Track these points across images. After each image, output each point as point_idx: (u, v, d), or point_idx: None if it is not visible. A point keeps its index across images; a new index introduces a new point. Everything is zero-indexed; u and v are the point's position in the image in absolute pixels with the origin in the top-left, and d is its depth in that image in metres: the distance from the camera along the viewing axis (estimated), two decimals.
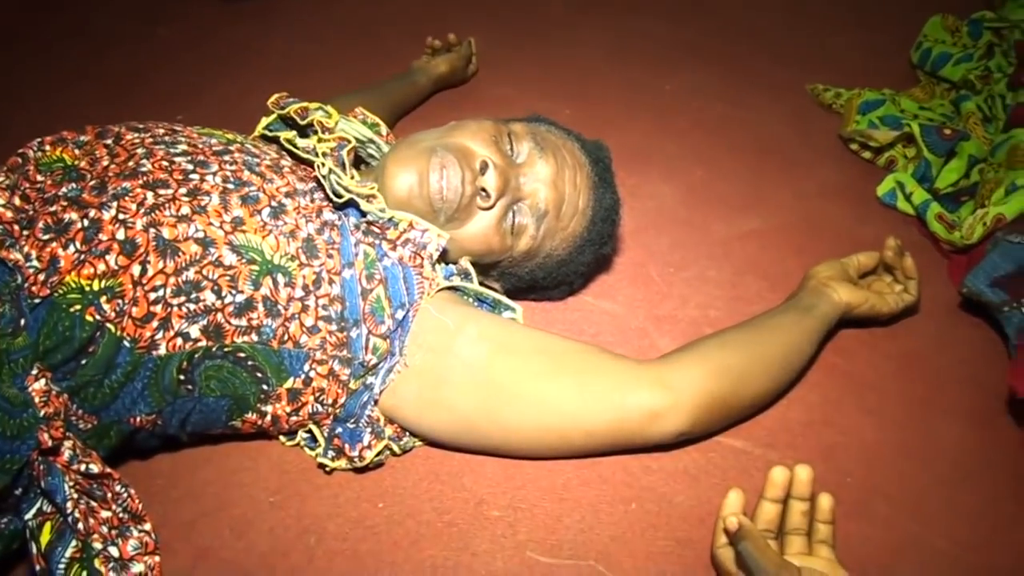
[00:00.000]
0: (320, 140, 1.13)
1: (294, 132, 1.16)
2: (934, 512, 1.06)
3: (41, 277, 0.88)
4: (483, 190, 1.08)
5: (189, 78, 1.98)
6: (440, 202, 1.07)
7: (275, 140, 1.19)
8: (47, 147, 1.00)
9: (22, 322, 0.86)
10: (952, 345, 1.30)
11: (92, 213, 0.91)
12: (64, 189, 0.94)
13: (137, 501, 0.92)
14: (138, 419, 0.95)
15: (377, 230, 1.04)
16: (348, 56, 2.08)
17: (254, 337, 0.95)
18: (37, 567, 0.86)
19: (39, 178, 0.97)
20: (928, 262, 1.42)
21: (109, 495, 0.90)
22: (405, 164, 1.08)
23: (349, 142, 1.12)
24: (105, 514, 0.90)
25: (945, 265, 1.44)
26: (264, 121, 1.21)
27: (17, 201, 0.93)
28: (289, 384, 0.98)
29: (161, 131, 1.04)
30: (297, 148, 1.11)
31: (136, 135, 1.02)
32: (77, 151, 1.00)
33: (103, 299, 0.89)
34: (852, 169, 1.70)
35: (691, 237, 1.49)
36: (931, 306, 1.35)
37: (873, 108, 1.77)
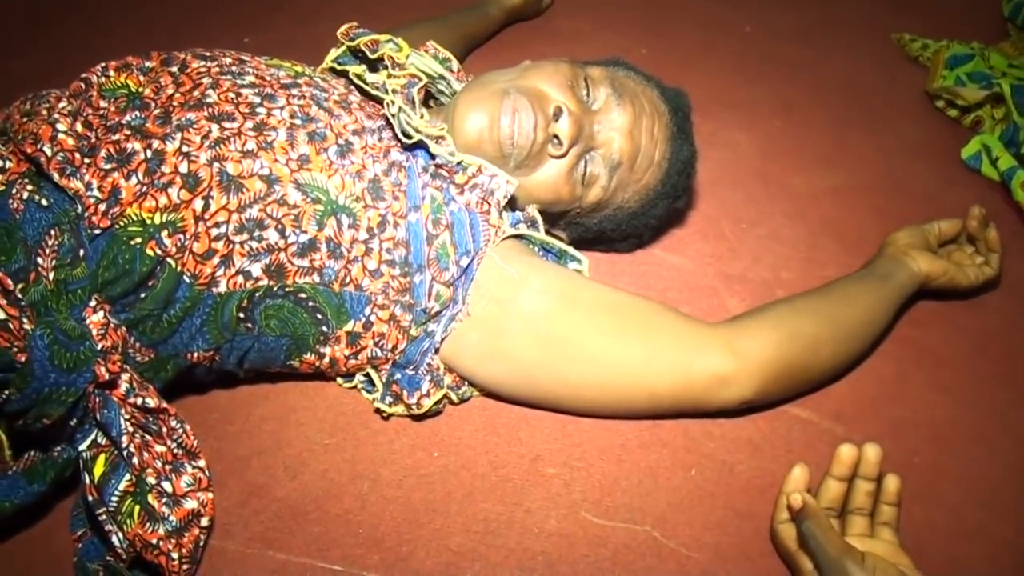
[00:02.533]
0: (390, 76, 1.07)
1: (363, 66, 1.10)
2: (1003, 500, 1.00)
3: (102, 208, 0.85)
4: (556, 137, 1.02)
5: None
6: (510, 147, 1.01)
7: (344, 74, 1.14)
8: (111, 72, 0.96)
9: (81, 253, 0.84)
10: None
11: (155, 144, 0.87)
12: (128, 117, 0.90)
13: (192, 437, 0.89)
14: (196, 355, 0.93)
15: (445, 173, 0.99)
16: None
17: (316, 278, 0.91)
18: (89, 497, 0.84)
19: (102, 104, 0.93)
20: (1011, 233, 1.33)
21: (164, 430, 0.88)
22: (476, 106, 1.02)
23: (420, 79, 1.07)
24: (160, 449, 0.87)
25: None
26: (333, 53, 1.16)
27: (79, 128, 0.89)
28: (349, 327, 0.94)
29: (228, 60, 0.99)
30: (366, 84, 1.06)
31: (202, 63, 0.97)
32: (142, 78, 0.95)
33: (164, 233, 0.85)
34: (936, 126, 1.60)
35: (766, 192, 1.42)
36: (1011, 281, 1.27)
37: (961, 63, 1.66)
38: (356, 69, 1.08)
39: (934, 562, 0.93)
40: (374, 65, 1.13)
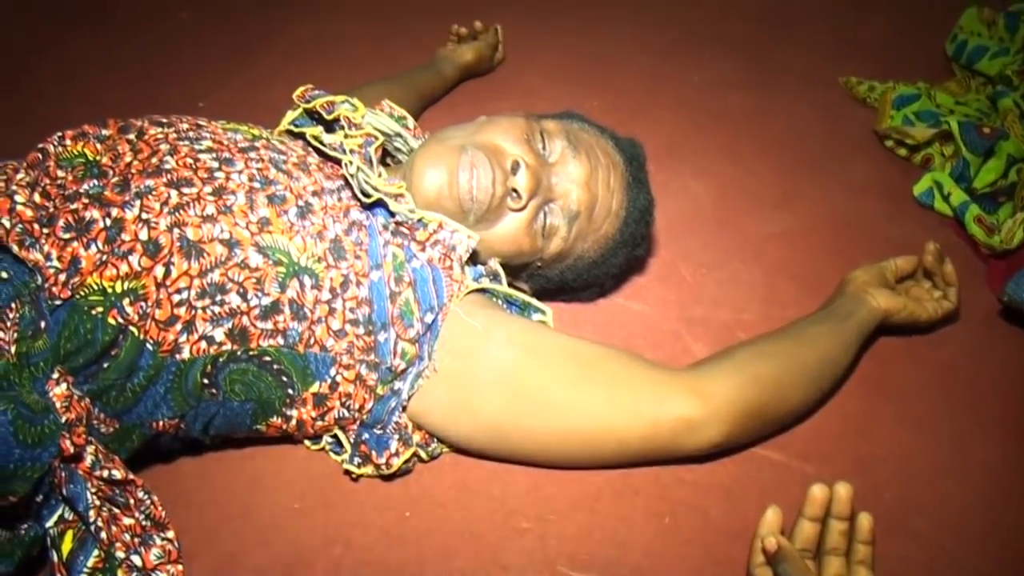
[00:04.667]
0: (347, 136, 1.09)
1: (320, 128, 1.12)
2: (975, 531, 1.03)
3: (62, 278, 0.85)
4: (514, 191, 1.05)
5: (211, 63, 1.94)
6: (470, 202, 1.04)
7: (300, 136, 1.16)
8: (68, 141, 0.97)
9: (42, 324, 0.84)
10: (991, 354, 1.26)
11: (114, 212, 0.88)
12: (86, 186, 0.91)
13: (160, 508, 0.90)
14: (160, 423, 0.93)
15: (406, 231, 1.01)
16: (373, 42, 2.03)
17: (280, 341, 0.92)
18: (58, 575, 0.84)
19: (59, 174, 0.94)
20: (966, 267, 1.38)
21: (132, 501, 0.88)
22: (434, 163, 1.04)
23: (376, 138, 1.09)
24: (128, 521, 0.88)
25: (983, 271, 1.40)
26: (289, 116, 1.18)
27: (37, 198, 0.90)
28: (315, 388, 0.95)
29: (185, 126, 1.02)
30: (323, 145, 1.08)
31: (160, 130, 0.99)
32: (99, 146, 0.97)
33: (126, 301, 0.86)
34: (887, 166, 1.66)
35: (722, 237, 1.46)
36: (969, 313, 1.31)
37: (908, 103, 1.72)
38: (313, 131, 1.11)
39: None
40: (330, 126, 1.15)
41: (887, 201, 1.56)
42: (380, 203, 1.02)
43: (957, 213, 1.48)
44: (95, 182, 0.92)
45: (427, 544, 0.98)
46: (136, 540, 0.87)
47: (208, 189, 0.92)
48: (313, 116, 1.18)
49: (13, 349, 0.81)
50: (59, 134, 0.98)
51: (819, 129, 1.77)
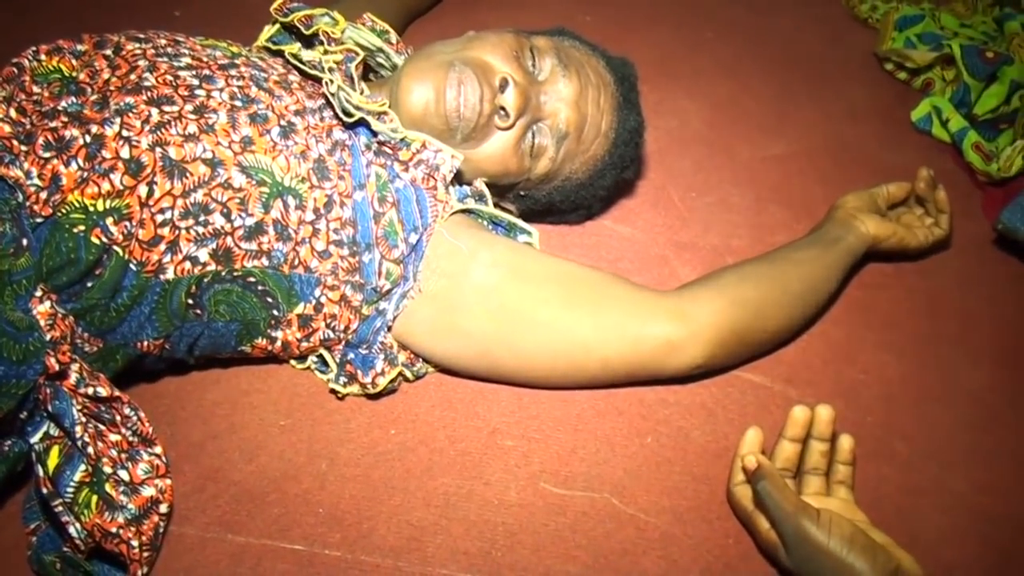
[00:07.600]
0: (326, 52, 1.11)
1: (298, 45, 1.13)
2: (955, 455, 1.07)
3: (43, 195, 0.87)
4: (502, 109, 1.06)
5: None
6: (457, 120, 1.05)
7: (280, 53, 1.16)
8: (43, 56, 0.98)
9: (24, 242, 0.86)
10: (982, 283, 1.30)
11: (94, 129, 0.90)
12: (64, 103, 0.93)
13: (147, 424, 0.93)
14: (145, 343, 0.96)
15: (389, 150, 1.03)
16: None
17: (264, 261, 0.95)
18: (44, 490, 0.87)
19: (36, 89, 0.95)
20: (962, 194, 1.41)
21: (118, 418, 0.91)
22: (420, 79, 1.06)
23: (357, 54, 1.10)
24: (114, 437, 0.91)
25: (980, 198, 1.43)
26: (267, 31, 1.18)
27: (13, 114, 0.92)
28: (300, 309, 0.98)
29: (163, 42, 1.02)
30: (302, 63, 1.09)
31: (137, 45, 1.00)
32: (75, 62, 0.98)
33: (109, 220, 0.88)
34: (885, 90, 1.67)
35: (714, 159, 1.48)
36: (962, 242, 1.34)
37: (911, 24, 1.73)
38: (291, 48, 1.11)
39: (889, 517, 0.99)
40: (310, 41, 1.16)
41: (884, 126, 1.58)
42: (362, 122, 1.03)
43: (955, 139, 1.50)
44: (73, 99, 0.93)
45: (412, 460, 1.03)
46: (123, 456, 0.90)
47: (189, 107, 0.94)
48: (292, 31, 1.18)
49: None
50: (33, 48, 0.98)
51: (818, 50, 1.78)
